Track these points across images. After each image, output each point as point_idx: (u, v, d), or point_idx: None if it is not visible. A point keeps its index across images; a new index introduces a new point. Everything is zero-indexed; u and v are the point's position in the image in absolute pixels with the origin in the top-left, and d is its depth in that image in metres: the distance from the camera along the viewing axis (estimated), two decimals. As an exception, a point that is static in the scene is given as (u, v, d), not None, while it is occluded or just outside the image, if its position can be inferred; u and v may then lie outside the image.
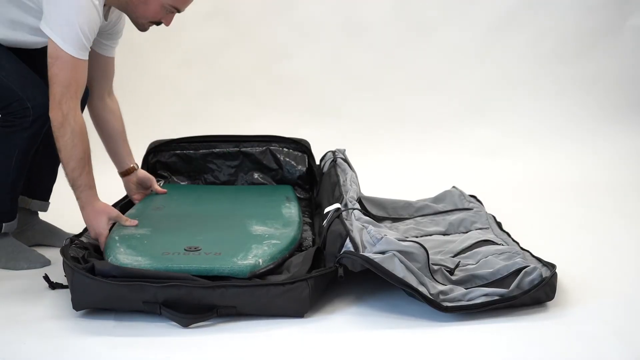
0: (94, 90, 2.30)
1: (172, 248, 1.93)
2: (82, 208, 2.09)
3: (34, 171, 2.34)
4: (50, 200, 2.48)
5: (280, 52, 3.70)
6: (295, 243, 2.07)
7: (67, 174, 2.06)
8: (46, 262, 2.26)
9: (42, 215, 2.50)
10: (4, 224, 2.24)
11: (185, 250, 1.91)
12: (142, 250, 1.92)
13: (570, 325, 1.73)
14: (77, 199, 2.08)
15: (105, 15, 2.13)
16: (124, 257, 1.88)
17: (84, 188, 2.06)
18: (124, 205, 2.44)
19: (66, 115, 1.99)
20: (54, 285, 2.01)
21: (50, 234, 2.47)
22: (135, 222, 2.13)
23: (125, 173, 2.47)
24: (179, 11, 2.10)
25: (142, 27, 2.13)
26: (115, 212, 2.12)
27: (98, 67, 2.25)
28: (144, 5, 2.07)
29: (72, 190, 2.08)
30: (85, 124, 2.05)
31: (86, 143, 2.03)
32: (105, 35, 2.22)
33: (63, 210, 2.43)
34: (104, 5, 2.06)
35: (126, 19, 2.23)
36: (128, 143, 2.44)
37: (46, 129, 2.11)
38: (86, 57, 2.02)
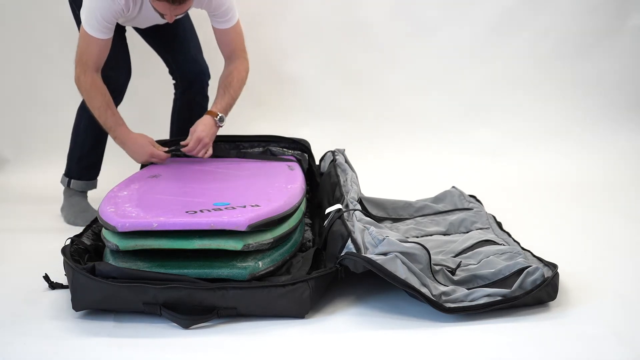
0: (222, 54, 2.71)
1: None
2: (123, 144, 2.58)
3: None
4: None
5: (280, 52, 3.69)
6: (296, 245, 2.07)
7: (99, 122, 2.55)
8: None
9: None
10: (72, 180, 2.79)
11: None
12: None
13: (572, 326, 1.73)
14: (115, 138, 2.57)
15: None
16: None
17: (115, 127, 2.55)
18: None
19: (78, 76, 2.51)
20: (54, 285, 2.01)
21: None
22: (167, 155, 2.59)
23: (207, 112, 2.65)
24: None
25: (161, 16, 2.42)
26: (150, 137, 2.60)
27: (217, 37, 2.68)
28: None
29: (110, 133, 2.59)
30: (95, 81, 2.50)
31: (100, 95, 2.51)
32: (210, 15, 2.63)
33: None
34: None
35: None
36: (226, 95, 2.63)
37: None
38: (100, 37, 2.45)
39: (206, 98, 2.93)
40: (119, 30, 2.62)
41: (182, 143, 2.60)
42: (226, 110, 2.63)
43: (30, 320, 1.83)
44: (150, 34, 2.82)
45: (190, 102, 2.90)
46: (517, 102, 3.67)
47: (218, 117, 2.59)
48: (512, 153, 3.52)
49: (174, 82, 2.95)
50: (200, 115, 2.67)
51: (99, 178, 2.85)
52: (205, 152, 2.58)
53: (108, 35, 2.48)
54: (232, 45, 2.67)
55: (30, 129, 3.61)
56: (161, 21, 2.62)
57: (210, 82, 2.92)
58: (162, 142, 2.73)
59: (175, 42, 2.85)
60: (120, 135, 2.56)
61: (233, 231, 1.84)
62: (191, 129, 2.59)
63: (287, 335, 1.72)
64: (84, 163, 2.80)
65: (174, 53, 2.87)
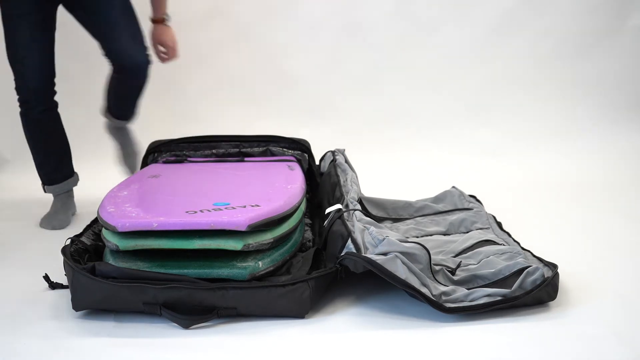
0: None
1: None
2: None
3: None
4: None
5: (280, 52, 3.70)
6: (296, 245, 2.07)
7: None
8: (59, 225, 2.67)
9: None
10: (46, 187, 2.74)
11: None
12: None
13: (572, 326, 1.73)
14: None
15: None
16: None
17: None
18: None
19: None
20: (54, 285, 2.01)
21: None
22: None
23: (153, 21, 2.75)
24: None
25: None
26: None
27: None
28: None
29: None
30: None
31: None
32: None
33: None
34: None
35: None
36: None
37: (40, 114, 2.62)
38: None
39: (147, 78, 2.71)
40: (44, 26, 2.52)
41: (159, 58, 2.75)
42: (165, 8, 2.72)
43: (30, 320, 1.83)
44: (81, 15, 2.63)
45: (127, 86, 2.74)
46: (517, 102, 3.68)
47: (164, 20, 2.73)
48: (512, 153, 3.52)
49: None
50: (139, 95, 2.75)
51: (98, 178, 2.83)
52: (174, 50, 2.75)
53: None
54: None
55: (30, 129, 3.60)
56: None
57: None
58: (159, 142, 2.73)
59: (105, 28, 2.61)
60: None
61: (233, 231, 1.84)
62: (155, 43, 2.73)
63: (287, 335, 1.72)
64: (46, 169, 2.71)
65: (104, 40, 2.63)
